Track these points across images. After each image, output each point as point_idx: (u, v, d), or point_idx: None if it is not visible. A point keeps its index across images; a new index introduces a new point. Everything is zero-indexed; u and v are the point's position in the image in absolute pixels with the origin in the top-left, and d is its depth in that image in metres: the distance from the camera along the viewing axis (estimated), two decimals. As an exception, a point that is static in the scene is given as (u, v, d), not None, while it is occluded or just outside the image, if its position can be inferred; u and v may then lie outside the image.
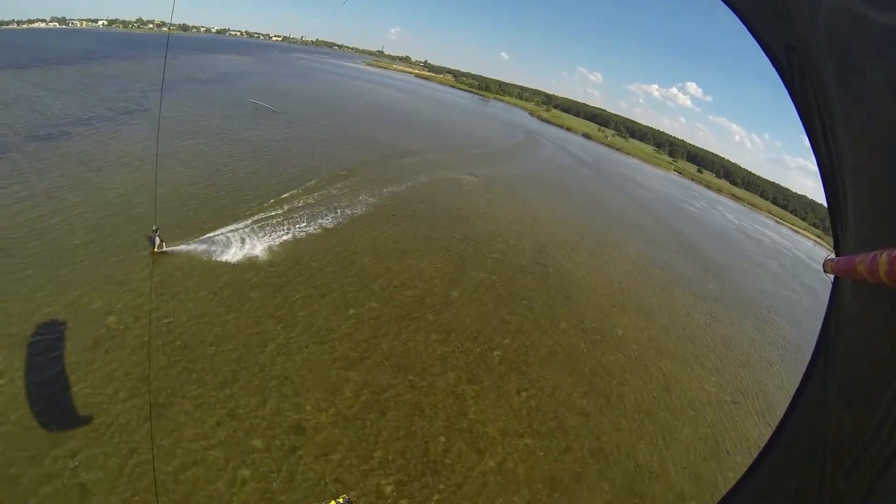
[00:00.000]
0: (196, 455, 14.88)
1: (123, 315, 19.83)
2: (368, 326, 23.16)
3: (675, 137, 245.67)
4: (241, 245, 28.11)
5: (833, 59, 3.30)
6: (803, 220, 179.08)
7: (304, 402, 17.60)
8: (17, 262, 21.59)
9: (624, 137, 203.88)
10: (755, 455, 4.20)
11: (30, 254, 22.44)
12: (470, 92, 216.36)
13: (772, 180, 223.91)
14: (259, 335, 20.65)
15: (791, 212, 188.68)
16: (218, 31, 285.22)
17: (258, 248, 28.11)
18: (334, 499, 13.64)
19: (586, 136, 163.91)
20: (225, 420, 16.10)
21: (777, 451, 4.24)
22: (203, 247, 27.55)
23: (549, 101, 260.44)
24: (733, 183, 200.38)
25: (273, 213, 32.35)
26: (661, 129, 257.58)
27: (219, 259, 26.05)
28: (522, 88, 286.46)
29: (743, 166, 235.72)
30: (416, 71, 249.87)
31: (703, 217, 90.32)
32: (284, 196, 35.42)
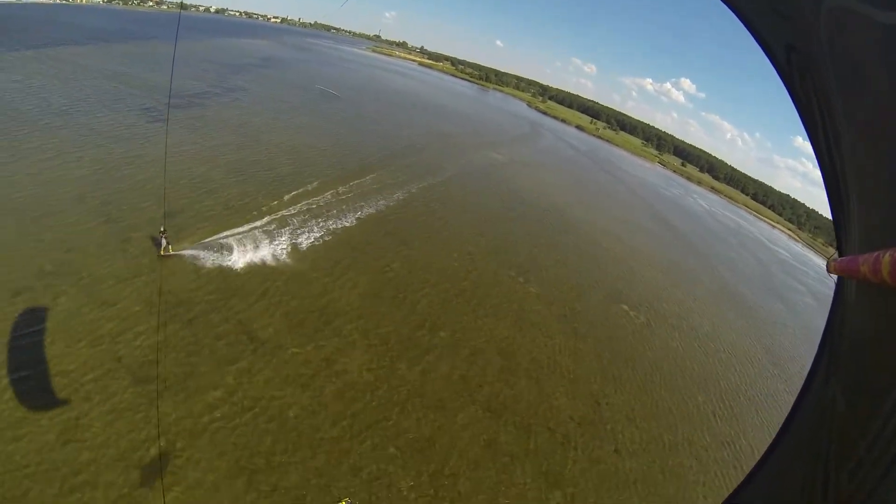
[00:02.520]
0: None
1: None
2: (473, 229, 44.32)
3: (663, 132, 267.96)
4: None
5: (834, 59, 3.66)
6: (779, 215, 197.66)
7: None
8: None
9: (614, 130, 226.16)
10: (761, 454, 4.60)
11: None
12: (470, 81, 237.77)
13: (758, 178, 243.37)
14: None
15: (770, 207, 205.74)
16: (217, 11, 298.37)
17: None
18: (337, 503, 14.16)
19: (579, 127, 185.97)
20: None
21: (782, 450, 4.73)
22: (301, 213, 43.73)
23: (544, 91, 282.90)
24: (715, 177, 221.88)
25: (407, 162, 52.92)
26: (651, 124, 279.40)
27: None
28: (519, 79, 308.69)
29: (730, 163, 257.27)
30: (419, 59, 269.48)
31: (677, 200, 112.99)
32: (404, 161, 56.27)
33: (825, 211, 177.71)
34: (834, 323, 4.61)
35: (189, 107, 54.71)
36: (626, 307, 38.77)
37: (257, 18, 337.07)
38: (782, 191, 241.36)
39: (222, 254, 27.71)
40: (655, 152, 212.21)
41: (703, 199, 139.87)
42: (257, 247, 29.40)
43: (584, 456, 21.65)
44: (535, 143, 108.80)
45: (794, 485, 3.96)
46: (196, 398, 18.10)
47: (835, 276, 4.46)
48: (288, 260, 29.20)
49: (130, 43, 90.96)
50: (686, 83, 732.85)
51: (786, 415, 4.77)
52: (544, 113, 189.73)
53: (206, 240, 28.53)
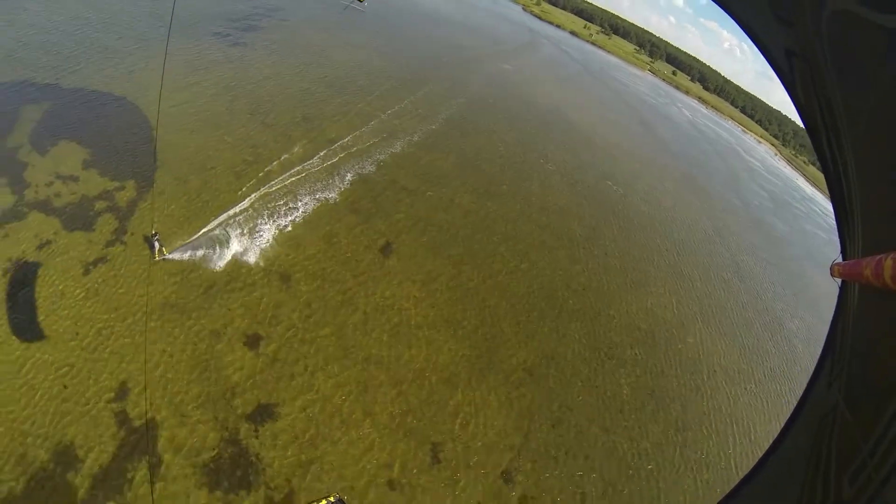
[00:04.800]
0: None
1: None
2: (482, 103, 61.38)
3: (657, 38, 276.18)
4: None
5: (836, 63, 3.75)
6: (766, 130, 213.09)
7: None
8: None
9: (608, 35, 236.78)
10: (759, 455, 4.65)
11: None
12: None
13: (754, 93, 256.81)
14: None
15: (757, 122, 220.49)
16: None
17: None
18: (325, 497, 15.00)
19: (573, 33, 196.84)
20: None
21: (782, 452, 4.84)
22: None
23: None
24: (706, 88, 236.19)
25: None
26: (646, 28, 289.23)
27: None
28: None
29: (725, 74, 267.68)
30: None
31: (660, 109, 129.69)
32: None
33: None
34: (837, 328, 4.87)
35: (246, 30, 68.29)
36: (610, 183, 57.53)
37: None
38: (776, 106, 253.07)
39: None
40: (647, 59, 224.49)
41: (688, 109, 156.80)
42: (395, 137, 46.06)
43: (585, 254, 40.77)
44: (537, 52, 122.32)
45: (794, 488, 4.17)
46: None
47: (838, 281, 4.74)
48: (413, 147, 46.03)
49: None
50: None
51: (786, 417, 5.01)
52: (539, 17, 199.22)
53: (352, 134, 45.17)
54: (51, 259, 24.48)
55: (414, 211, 36.80)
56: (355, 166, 39.16)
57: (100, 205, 28.50)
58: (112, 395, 19.98)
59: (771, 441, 5.38)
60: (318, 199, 34.20)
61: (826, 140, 5.18)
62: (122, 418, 19.39)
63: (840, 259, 5.17)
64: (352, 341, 25.60)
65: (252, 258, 28.17)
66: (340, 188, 36.06)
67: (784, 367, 39.41)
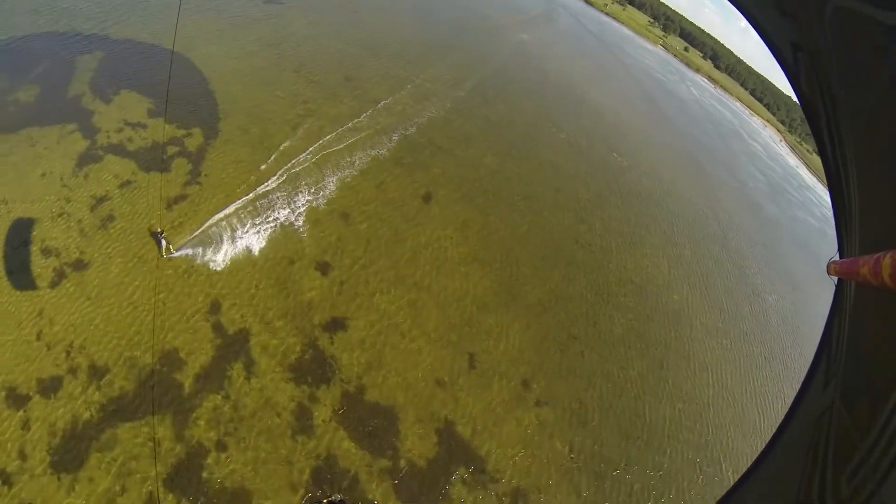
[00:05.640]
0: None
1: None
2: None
3: (673, 10, 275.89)
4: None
5: (838, 58, 3.78)
6: (773, 114, 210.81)
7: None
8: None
9: (622, 5, 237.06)
10: (756, 454, 4.79)
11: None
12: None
13: (765, 75, 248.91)
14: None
15: (765, 105, 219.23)
16: None
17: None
18: (328, 497, 15.99)
19: (588, 2, 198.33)
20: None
21: (778, 452, 4.89)
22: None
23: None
24: (717, 66, 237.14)
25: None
26: (662, 0, 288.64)
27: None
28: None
29: (737, 53, 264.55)
30: None
31: (669, 86, 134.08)
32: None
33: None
34: (832, 327, 4.87)
35: None
36: (615, 154, 63.21)
37: None
38: (786, 91, 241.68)
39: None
40: (661, 33, 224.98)
41: (696, 88, 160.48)
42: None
43: (590, 216, 46.85)
44: (553, 23, 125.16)
45: (790, 487, 4.19)
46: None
47: (835, 279, 4.72)
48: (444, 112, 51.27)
49: None
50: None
51: (782, 417, 5.13)
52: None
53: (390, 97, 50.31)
54: (135, 197, 30.01)
55: (448, 167, 42.59)
56: (398, 126, 44.63)
57: (171, 149, 33.99)
58: (207, 310, 25.84)
59: (764, 443, 5.49)
60: (368, 153, 39.84)
61: (827, 135, 5.33)
62: (218, 329, 25.30)
63: (837, 257, 5.26)
64: (404, 271, 31.76)
65: (317, 200, 33.93)
66: (387, 145, 41.66)
67: (757, 333, 45.99)
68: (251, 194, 32.43)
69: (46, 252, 25.96)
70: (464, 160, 44.70)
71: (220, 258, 28.23)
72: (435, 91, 54.03)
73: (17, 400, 20.98)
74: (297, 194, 33.77)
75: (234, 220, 30.51)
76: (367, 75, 51.51)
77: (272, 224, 31.32)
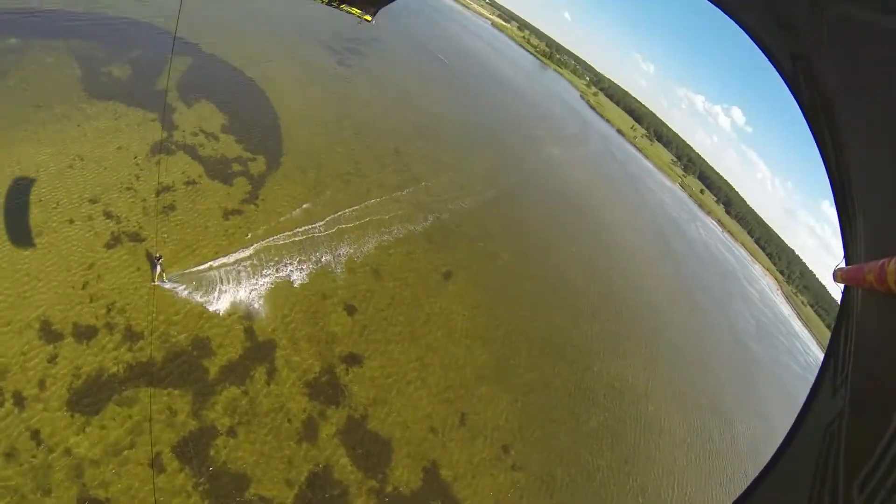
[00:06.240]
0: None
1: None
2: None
3: (696, 153, 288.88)
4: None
5: (837, 65, 3.79)
6: (774, 264, 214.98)
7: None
8: None
9: (650, 139, 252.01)
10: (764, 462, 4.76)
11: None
12: (532, 55, 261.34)
13: (773, 227, 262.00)
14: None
15: (767, 255, 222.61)
16: None
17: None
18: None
19: (619, 131, 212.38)
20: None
21: (786, 460, 4.81)
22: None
23: (598, 81, 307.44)
24: (728, 212, 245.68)
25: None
26: (687, 141, 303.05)
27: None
28: (577, 60, 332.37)
29: (750, 202, 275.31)
30: (492, 18, 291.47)
31: (679, 223, 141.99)
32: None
33: (823, 276, 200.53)
34: (840, 334, 4.81)
35: (351, 52, 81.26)
36: (618, 275, 68.80)
37: None
38: (790, 244, 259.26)
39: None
40: (681, 172, 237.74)
41: (704, 229, 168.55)
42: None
43: (587, 324, 51.51)
44: (585, 145, 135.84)
45: (801, 496, 4.12)
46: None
47: (841, 285, 4.68)
48: (475, 205, 57.60)
49: None
50: (737, 112, 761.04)
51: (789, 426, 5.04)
52: (593, 108, 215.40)
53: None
54: (197, 197, 35.06)
55: (470, 254, 48.22)
56: (433, 207, 50.69)
57: (236, 167, 39.75)
58: (243, 315, 29.98)
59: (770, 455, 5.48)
60: (404, 225, 45.53)
61: (831, 143, 5.33)
62: (250, 334, 29.38)
63: (843, 264, 5.16)
64: (418, 331, 36.42)
65: (355, 253, 39.16)
66: (422, 223, 47.53)
67: (723, 453, 49.06)
68: (300, 229, 37.67)
69: (108, 215, 30.26)
70: (484, 251, 50.34)
71: (263, 280, 32.60)
72: (470, 184, 60.76)
73: (50, 335, 23.27)
74: (339, 243, 39.04)
75: (283, 250, 35.45)
76: (413, 153, 58.81)
77: (314, 262, 36.25)
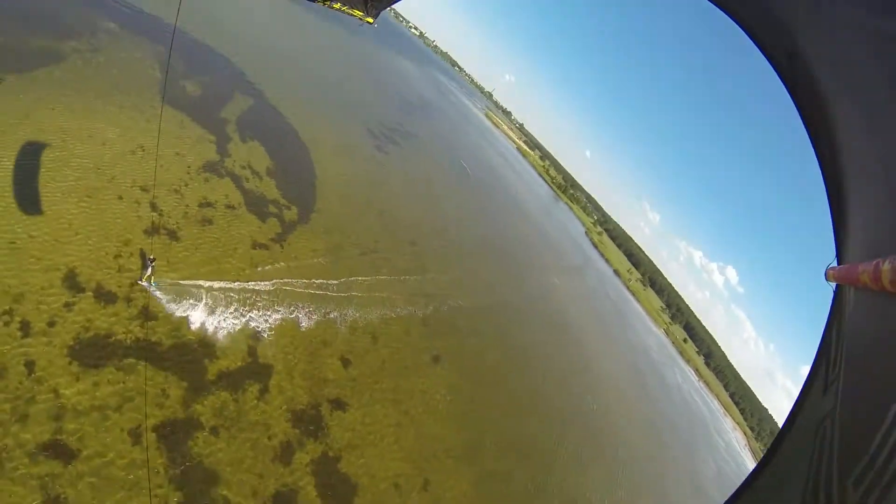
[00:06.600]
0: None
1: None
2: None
3: (685, 304, 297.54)
4: None
5: (833, 65, 3.79)
6: (745, 420, 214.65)
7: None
8: None
9: (644, 285, 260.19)
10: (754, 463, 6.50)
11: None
12: (549, 185, 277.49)
13: (749, 384, 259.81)
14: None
15: (740, 410, 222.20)
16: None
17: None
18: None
19: (616, 272, 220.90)
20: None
21: (779, 459, 4.78)
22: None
23: (605, 221, 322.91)
24: (707, 363, 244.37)
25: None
26: (679, 291, 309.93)
27: None
28: (588, 198, 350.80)
29: (731, 358, 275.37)
30: (518, 142, 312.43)
31: (658, 366, 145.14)
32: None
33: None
34: (831, 333, 4.81)
35: (389, 140, 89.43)
36: (591, 398, 71.63)
37: (402, 22, 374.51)
38: (765, 403, 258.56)
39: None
40: (668, 320, 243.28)
41: (681, 376, 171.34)
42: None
43: (560, 414, 54.26)
44: (583, 279, 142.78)
45: (794, 494, 4.09)
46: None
47: (833, 284, 4.67)
48: (475, 306, 62.36)
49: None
50: (732, 272, 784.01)
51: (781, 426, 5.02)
52: (595, 246, 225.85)
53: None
54: (233, 221, 39.20)
55: (460, 347, 52.27)
56: (435, 298, 55.23)
57: (272, 208, 44.47)
58: (251, 335, 33.18)
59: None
60: (407, 307, 49.80)
61: (826, 142, 5.32)
62: (253, 353, 32.19)
63: (835, 263, 5.18)
64: (401, 398, 39.64)
65: (360, 316, 43.06)
66: (422, 308, 51.93)
67: None
68: (315, 281, 41.70)
69: (154, 207, 33.88)
70: (473, 348, 54.34)
71: (275, 315, 36.01)
72: (473, 288, 66.00)
73: (73, 285, 25.13)
74: (348, 305, 42.92)
75: (298, 296, 39.19)
76: (427, 246, 64.64)
77: (322, 313, 39.86)
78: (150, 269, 28.21)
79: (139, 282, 28.14)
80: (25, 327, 22.17)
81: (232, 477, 24.89)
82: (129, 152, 36.54)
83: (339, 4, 22.18)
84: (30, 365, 21.21)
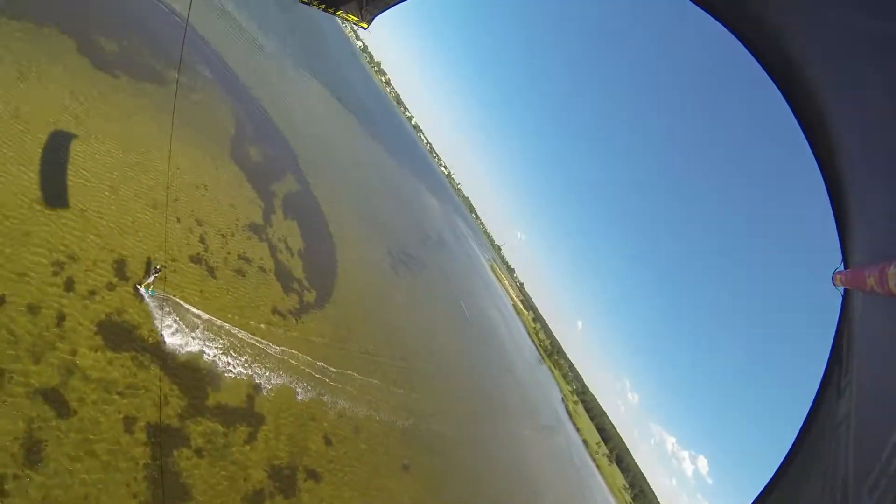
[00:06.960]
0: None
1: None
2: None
3: (650, 487, 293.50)
4: None
5: (831, 70, 3.88)
6: None
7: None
8: None
9: (610, 461, 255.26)
10: (774, 471, 4.89)
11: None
12: (536, 347, 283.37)
13: None
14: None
15: None
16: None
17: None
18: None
19: (585, 443, 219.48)
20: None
21: (796, 467, 4.80)
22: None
23: (583, 391, 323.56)
24: None
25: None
26: (645, 474, 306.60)
27: None
28: (571, 368, 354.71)
29: None
30: (515, 299, 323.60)
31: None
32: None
33: None
34: (842, 338, 4.79)
35: (405, 265, 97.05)
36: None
37: (435, 158, 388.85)
38: None
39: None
40: (629, 500, 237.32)
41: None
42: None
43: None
44: (553, 439, 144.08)
45: (811, 499, 4.11)
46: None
47: (841, 289, 4.64)
48: (454, 436, 66.39)
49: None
50: (703, 462, 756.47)
51: (797, 434, 4.88)
52: (569, 413, 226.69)
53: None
54: (262, 283, 43.42)
55: (431, 463, 56.23)
56: (417, 415, 59.90)
57: (296, 285, 49.38)
58: (252, 385, 35.91)
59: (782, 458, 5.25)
60: (391, 414, 54.36)
61: (826, 147, 5.26)
62: (251, 400, 34.39)
63: (842, 268, 5.10)
64: (370, 493, 43.07)
65: (349, 407, 47.29)
66: (404, 420, 56.41)
67: None
68: (318, 363, 45.80)
69: (202, 240, 37.41)
70: (443, 468, 58.21)
71: (278, 378, 39.31)
72: (454, 417, 70.74)
73: (120, 273, 27.55)
74: (340, 395, 46.73)
75: (300, 371, 42.99)
76: (418, 368, 69.79)
77: (317, 393, 43.36)
78: (152, 277, 28.47)
79: (137, 286, 28.30)
80: (69, 285, 23.84)
81: (202, 497, 25.69)
82: (194, 186, 41.66)
83: (332, 9, 22.26)
84: (60, 317, 22.73)
